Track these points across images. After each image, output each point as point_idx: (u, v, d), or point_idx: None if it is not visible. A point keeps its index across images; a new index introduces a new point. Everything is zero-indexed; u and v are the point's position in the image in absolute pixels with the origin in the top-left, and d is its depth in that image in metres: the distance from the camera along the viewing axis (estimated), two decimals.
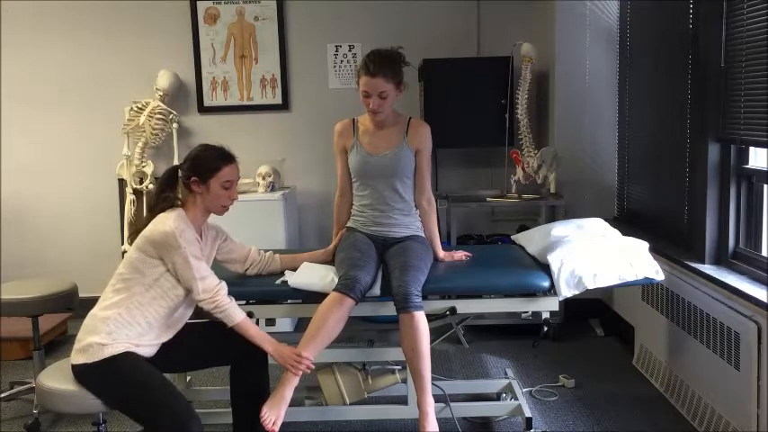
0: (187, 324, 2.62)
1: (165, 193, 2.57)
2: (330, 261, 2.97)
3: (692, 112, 3.26)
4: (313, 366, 2.61)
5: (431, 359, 2.66)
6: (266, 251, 2.94)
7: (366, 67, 2.82)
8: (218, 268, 2.76)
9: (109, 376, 2.37)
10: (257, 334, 2.55)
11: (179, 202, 2.58)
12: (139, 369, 2.38)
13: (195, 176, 2.53)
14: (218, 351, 2.64)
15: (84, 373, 2.39)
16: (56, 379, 2.47)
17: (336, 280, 2.74)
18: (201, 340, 2.62)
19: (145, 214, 2.61)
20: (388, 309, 2.80)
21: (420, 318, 2.62)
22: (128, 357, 2.38)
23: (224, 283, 2.54)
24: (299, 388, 3.35)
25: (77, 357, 2.40)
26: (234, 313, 2.51)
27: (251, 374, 2.65)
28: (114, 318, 2.41)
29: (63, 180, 4.94)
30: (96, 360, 2.37)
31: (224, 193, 2.56)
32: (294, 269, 2.88)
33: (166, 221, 2.45)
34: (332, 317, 2.61)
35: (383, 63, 2.82)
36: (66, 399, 2.41)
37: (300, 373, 2.58)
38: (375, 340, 3.09)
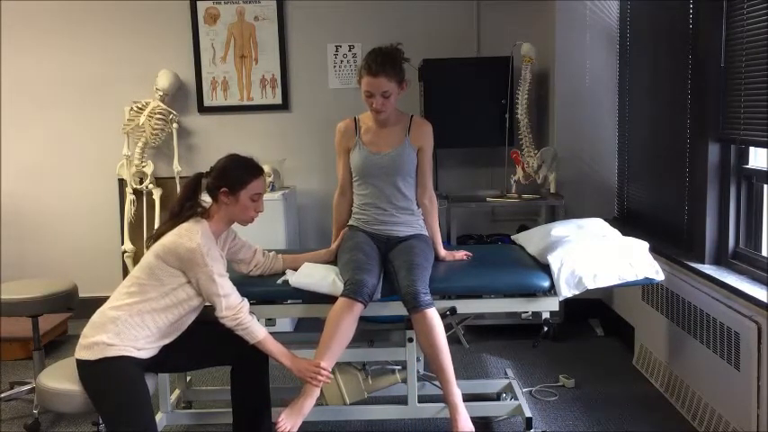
0: (189, 324, 2.62)
1: (190, 202, 2.57)
2: (332, 261, 2.97)
3: (692, 111, 3.26)
4: (332, 377, 2.62)
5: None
6: (269, 251, 2.94)
7: (368, 67, 2.82)
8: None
9: (99, 375, 2.38)
10: (277, 350, 2.56)
11: (200, 210, 2.57)
12: (126, 378, 2.38)
13: (225, 187, 2.53)
14: (220, 352, 2.65)
15: (83, 368, 2.40)
16: (56, 379, 2.47)
17: (338, 280, 2.74)
18: (203, 341, 2.62)
19: (166, 220, 2.59)
20: (388, 309, 2.80)
21: (432, 314, 2.63)
22: (122, 362, 2.38)
23: (246, 301, 2.55)
24: (300, 388, 3.37)
25: (82, 353, 2.41)
26: (255, 330, 2.52)
27: (252, 375, 2.65)
28: (124, 319, 2.42)
29: (63, 180, 4.94)
30: (98, 358, 2.37)
31: (252, 204, 2.58)
32: (296, 269, 2.88)
33: (192, 237, 2.44)
34: (343, 323, 2.62)
35: (385, 62, 2.81)
36: (67, 399, 2.42)
37: (321, 384, 2.60)
38: (375, 340, 3.09)
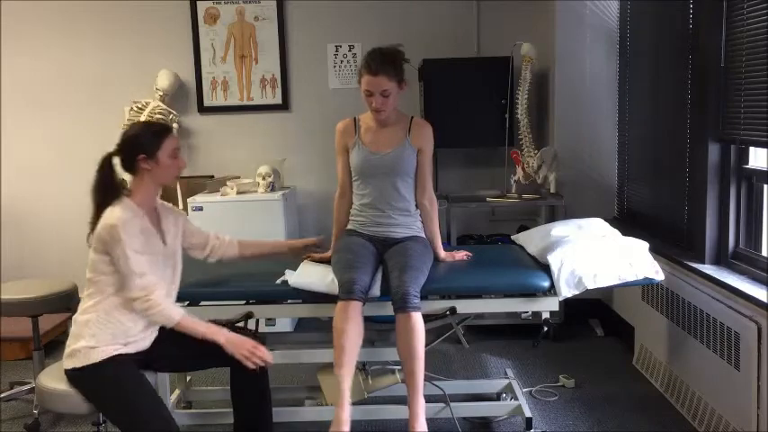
0: None
1: (107, 185, 2.50)
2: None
3: (692, 112, 3.26)
4: (271, 360, 2.48)
5: (428, 359, 2.66)
6: (226, 237, 2.89)
7: (368, 66, 2.82)
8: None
9: (95, 381, 2.37)
10: (202, 328, 2.46)
11: (122, 192, 2.51)
12: (125, 377, 2.37)
13: (142, 153, 2.48)
14: (218, 353, 2.62)
15: (74, 378, 2.39)
16: (56, 379, 2.47)
17: (336, 280, 2.74)
18: (201, 341, 2.61)
19: (93, 212, 2.50)
20: (389, 309, 2.80)
21: (417, 319, 2.61)
22: (115, 363, 2.37)
23: (161, 284, 2.46)
24: (300, 388, 3.37)
25: (67, 362, 2.41)
26: (171, 313, 2.43)
27: (251, 377, 2.63)
28: (95, 320, 2.40)
29: (63, 180, 4.94)
30: (85, 364, 2.36)
31: (173, 162, 2.53)
32: (250, 255, 2.89)
33: (112, 214, 2.40)
34: (347, 326, 2.61)
35: (385, 61, 2.82)
36: (66, 399, 2.41)
37: (255, 365, 2.45)
38: (375, 340, 3.09)
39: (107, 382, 2.36)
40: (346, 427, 2.56)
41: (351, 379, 2.65)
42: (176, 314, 2.45)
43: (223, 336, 2.48)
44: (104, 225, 2.39)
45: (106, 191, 2.50)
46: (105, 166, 2.52)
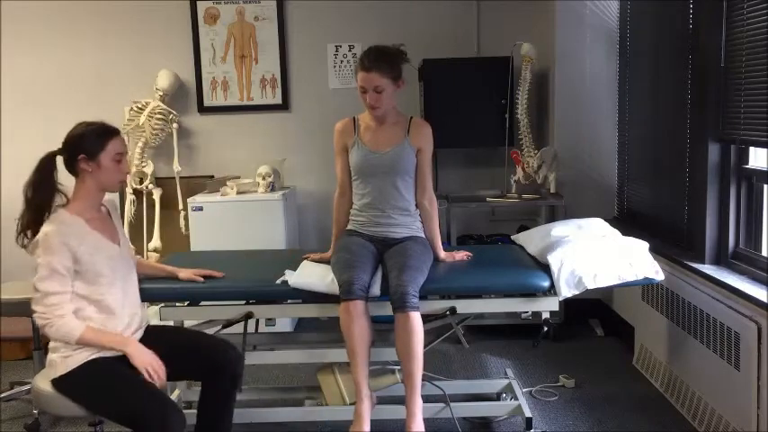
0: (167, 329, 2.63)
1: (41, 183, 2.45)
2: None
3: (692, 112, 3.26)
4: (163, 383, 2.38)
5: (428, 359, 2.67)
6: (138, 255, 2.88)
7: (362, 63, 2.85)
8: None
9: (78, 387, 2.35)
10: (106, 339, 2.35)
11: (58, 198, 2.45)
12: (107, 373, 2.34)
13: (83, 154, 2.43)
14: (193, 364, 2.57)
15: (58, 386, 2.37)
16: None
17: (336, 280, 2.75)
18: (178, 349, 2.54)
19: (23, 210, 2.46)
20: (389, 309, 2.80)
21: (415, 318, 2.61)
22: (94, 365, 2.35)
23: (66, 304, 2.35)
24: (300, 388, 3.37)
25: (49, 373, 2.40)
26: (69, 329, 2.31)
27: (219, 395, 2.57)
28: None
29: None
30: (65, 372, 2.35)
31: (117, 167, 2.46)
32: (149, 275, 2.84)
33: (42, 229, 2.36)
34: (353, 327, 2.62)
35: (378, 58, 2.83)
36: (61, 402, 2.38)
37: (154, 381, 2.33)
38: (374, 340, 3.08)
39: (89, 385, 2.34)
40: (366, 426, 2.60)
41: (366, 378, 2.68)
42: (76, 331, 2.31)
43: (131, 347, 2.36)
44: (36, 239, 2.35)
45: (40, 189, 2.44)
46: (46, 164, 2.47)
